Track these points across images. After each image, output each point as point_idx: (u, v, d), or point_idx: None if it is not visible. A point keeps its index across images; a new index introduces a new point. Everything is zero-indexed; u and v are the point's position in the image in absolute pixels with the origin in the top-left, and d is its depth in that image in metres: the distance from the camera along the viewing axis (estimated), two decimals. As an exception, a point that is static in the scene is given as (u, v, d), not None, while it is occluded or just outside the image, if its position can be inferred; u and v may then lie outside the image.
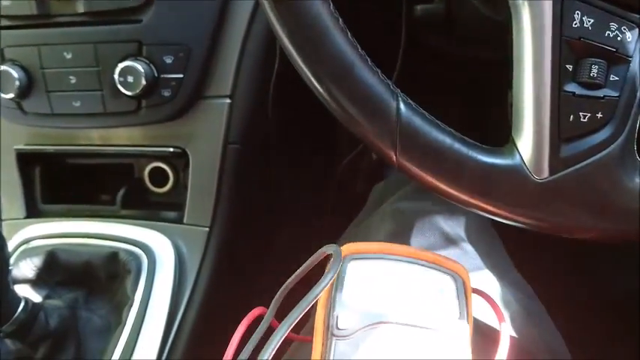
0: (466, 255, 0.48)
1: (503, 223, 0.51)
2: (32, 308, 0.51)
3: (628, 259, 0.54)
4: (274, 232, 0.71)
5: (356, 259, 0.39)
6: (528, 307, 0.47)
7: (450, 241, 0.49)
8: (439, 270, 0.39)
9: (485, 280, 0.47)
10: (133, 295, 0.59)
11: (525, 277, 0.49)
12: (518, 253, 0.53)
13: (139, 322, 0.57)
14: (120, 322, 0.58)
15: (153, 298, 0.60)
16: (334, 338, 0.35)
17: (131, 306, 0.58)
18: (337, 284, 0.38)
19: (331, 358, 0.35)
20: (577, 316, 0.49)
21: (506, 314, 0.44)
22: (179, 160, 0.67)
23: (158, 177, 0.70)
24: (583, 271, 0.55)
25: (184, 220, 0.65)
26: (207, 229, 0.65)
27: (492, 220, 0.52)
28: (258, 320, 0.36)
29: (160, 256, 0.63)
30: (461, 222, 0.52)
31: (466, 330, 0.36)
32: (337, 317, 0.36)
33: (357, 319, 0.36)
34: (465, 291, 0.38)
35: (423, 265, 0.39)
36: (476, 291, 0.43)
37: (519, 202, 0.37)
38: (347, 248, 0.40)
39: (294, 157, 0.70)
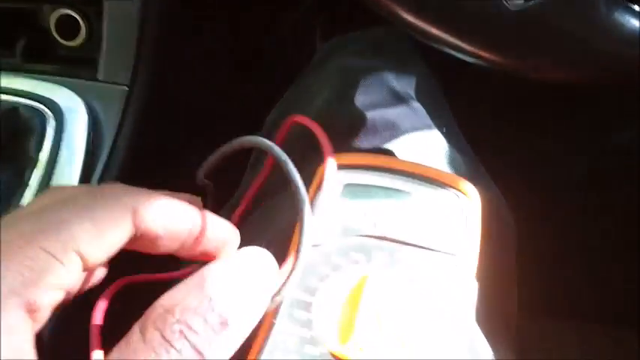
0: (415, 113, 0.44)
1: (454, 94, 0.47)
2: None
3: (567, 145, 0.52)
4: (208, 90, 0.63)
5: (347, 169, 0.35)
6: (476, 170, 0.44)
7: (399, 98, 0.45)
8: (442, 187, 0.35)
9: (434, 140, 0.43)
10: (37, 155, 0.52)
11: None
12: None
13: (45, 185, 0.50)
14: (22, 185, 0.50)
15: (61, 161, 0.52)
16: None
17: (34, 167, 0.51)
18: (320, 193, 0.34)
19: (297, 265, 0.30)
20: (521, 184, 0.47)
21: (454, 169, 0.41)
22: (92, 7, 0.57)
23: (68, 28, 0.60)
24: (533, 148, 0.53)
25: (99, 77, 0.57)
26: (126, 87, 0.57)
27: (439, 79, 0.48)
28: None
29: (70, 115, 0.55)
30: (412, 81, 0.47)
31: (472, 254, 0.33)
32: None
33: (335, 229, 0.33)
34: (470, 213, 0.34)
35: (422, 182, 0.35)
36: (299, 119, 0.39)
37: (495, 34, 0.33)
38: (339, 158, 0.36)
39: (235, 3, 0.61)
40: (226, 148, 0.34)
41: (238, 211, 0.41)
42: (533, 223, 0.42)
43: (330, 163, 0.34)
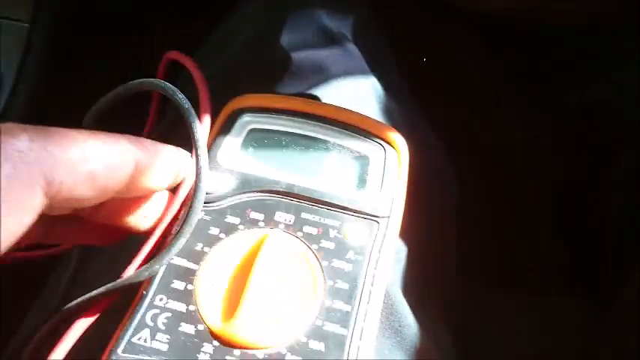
0: (348, 55, 0.38)
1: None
2: None
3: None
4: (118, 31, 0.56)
5: (253, 112, 0.30)
6: (415, 122, 0.39)
7: (331, 38, 0.39)
8: (364, 137, 0.29)
9: (367, 86, 0.38)
10: None
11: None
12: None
13: None
14: None
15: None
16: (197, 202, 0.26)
17: None
18: (217, 140, 0.29)
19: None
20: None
21: (389, 122, 0.36)
22: None
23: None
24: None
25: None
26: (27, 25, 0.50)
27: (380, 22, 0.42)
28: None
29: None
30: (348, 21, 0.41)
31: (395, 216, 0.27)
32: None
33: (231, 185, 0.27)
34: (396, 167, 0.29)
35: (341, 129, 0.29)
36: (174, 55, 0.35)
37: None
38: (244, 100, 0.30)
39: None
40: (121, 89, 0.28)
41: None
42: (474, 185, 0.38)
43: (205, 119, 0.28)
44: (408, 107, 0.39)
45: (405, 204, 0.29)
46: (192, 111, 0.25)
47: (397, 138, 0.29)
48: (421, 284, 0.33)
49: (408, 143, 0.32)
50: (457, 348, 0.34)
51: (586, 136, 0.40)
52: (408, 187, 0.30)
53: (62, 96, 0.51)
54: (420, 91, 0.41)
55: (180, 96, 0.25)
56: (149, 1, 0.53)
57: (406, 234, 0.32)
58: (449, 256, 0.36)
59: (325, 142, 0.29)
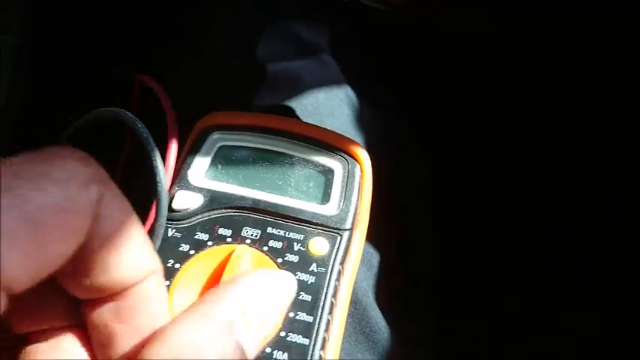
0: (324, 66, 0.39)
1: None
2: None
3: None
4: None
5: (222, 130, 0.31)
6: (387, 122, 0.40)
7: (307, 49, 0.40)
8: (327, 151, 0.30)
9: (342, 96, 0.38)
10: None
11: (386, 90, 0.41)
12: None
13: None
14: None
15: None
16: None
17: None
18: (187, 159, 0.30)
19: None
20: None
21: (364, 131, 0.37)
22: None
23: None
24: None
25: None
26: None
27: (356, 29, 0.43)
28: None
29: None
30: (325, 31, 0.42)
31: (359, 228, 0.28)
32: (174, 196, 0.29)
33: (201, 202, 0.28)
34: (357, 180, 0.30)
35: (305, 144, 0.31)
36: (145, 79, 0.35)
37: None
38: (213, 118, 0.31)
39: None
40: (88, 117, 0.30)
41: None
42: (454, 186, 0.39)
43: (172, 144, 0.29)
44: (384, 115, 0.40)
45: (376, 212, 0.30)
46: (151, 140, 0.27)
47: (360, 151, 0.30)
48: (393, 289, 0.34)
49: (381, 150, 0.32)
50: (434, 349, 0.35)
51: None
52: (379, 194, 0.31)
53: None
54: (402, 99, 0.42)
55: (140, 125, 0.27)
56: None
57: (377, 241, 0.34)
58: (422, 259, 0.37)
59: (291, 156, 0.30)
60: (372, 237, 0.31)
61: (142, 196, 0.32)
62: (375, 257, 0.34)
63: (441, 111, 0.42)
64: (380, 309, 0.33)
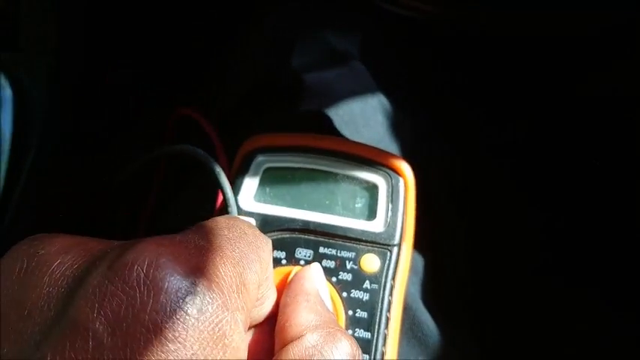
0: (356, 74, 0.40)
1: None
2: None
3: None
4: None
5: (266, 152, 0.32)
6: (421, 124, 0.40)
7: (339, 58, 0.40)
8: (370, 167, 0.31)
9: (375, 103, 0.39)
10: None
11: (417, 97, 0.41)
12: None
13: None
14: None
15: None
16: None
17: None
18: (235, 183, 0.31)
19: None
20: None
21: (399, 137, 0.38)
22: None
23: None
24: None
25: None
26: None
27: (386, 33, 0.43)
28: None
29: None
30: (356, 38, 0.42)
31: (406, 241, 0.29)
32: None
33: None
34: (402, 194, 0.31)
35: (348, 161, 0.31)
36: (187, 112, 0.36)
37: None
38: (256, 140, 0.32)
39: None
40: (165, 151, 0.32)
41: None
42: (487, 185, 0.39)
43: (222, 175, 0.30)
44: (418, 118, 0.40)
45: (416, 217, 0.31)
46: (223, 175, 0.28)
47: (402, 165, 0.31)
48: (439, 292, 0.35)
49: (416, 155, 0.33)
50: (478, 349, 0.36)
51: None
52: (417, 199, 0.31)
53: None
54: (434, 99, 0.42)
55: (214, 164, 0.28)
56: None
57: (420, 246, 0.35)
58: (463, 261, 0.37)
59: (335, 174, 0.31)
60: (417, 241, 0.32)
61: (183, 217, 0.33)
62: (419, 262, 0.35)
63: (472, 110, 0.42)
64: (428, 310, 0.34)
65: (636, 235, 0.35)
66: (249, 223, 0.21)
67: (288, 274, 0.28)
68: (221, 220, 0.20)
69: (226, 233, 0.19)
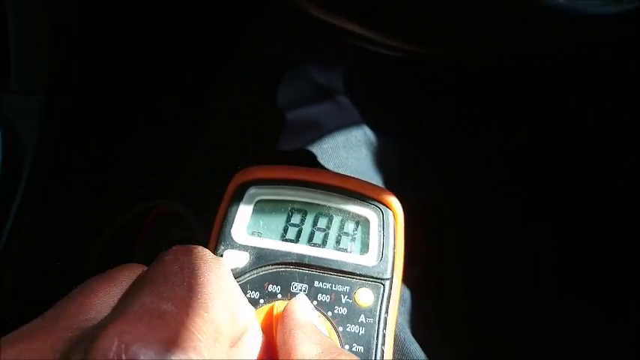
0: (341, 108, 0.41)
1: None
2: None
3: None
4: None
5: (259, 185, 0.32)
6: (406, 151, 0.41)
7: (323, 93, 0.41)
8: (361, 201, 0.32)
9: (362, 135, 0.40)
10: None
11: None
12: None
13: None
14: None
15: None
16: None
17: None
18: (228, 216, 0.32)
19: None
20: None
21: (384, 168, 0.39)
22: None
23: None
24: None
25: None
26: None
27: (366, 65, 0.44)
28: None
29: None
30: (339, 74, 0.43)
31: (396, 273, 0.30)
32: (222, 257, 0.30)
33: (248, 260, 0.30)
34: (392, 228, 0.31)
35: (340, 195, 0.32)
36: (164, 209, 0.38)
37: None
38: (249, 173, 0.33)
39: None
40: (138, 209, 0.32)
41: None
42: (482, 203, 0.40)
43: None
44: (404, 149, 0.42)
45: (405, 248, 0.32)
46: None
47: (391, 199, 0.32)
48: (426, 320, 0.35)
49: (403, 182, 0.34)
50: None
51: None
52: (405, 228, 0.32)
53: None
54: (419, 130, 0.43)
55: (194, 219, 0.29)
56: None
57: (407, 277, 0.35)
58: (453, 286, 0.38)
59: (328, 208, 0.32)
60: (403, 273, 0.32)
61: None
62: (406, 292, 0.36)
63: (459, 140, 0.43)
64: (416, 338, 0.34)
65: (634, 240, 0.36)
66: (199, 252, 0.21)
67: (270, 311, 0.28)
68: (169, 261, 0.20)
69: (181, 278, 0.19)
